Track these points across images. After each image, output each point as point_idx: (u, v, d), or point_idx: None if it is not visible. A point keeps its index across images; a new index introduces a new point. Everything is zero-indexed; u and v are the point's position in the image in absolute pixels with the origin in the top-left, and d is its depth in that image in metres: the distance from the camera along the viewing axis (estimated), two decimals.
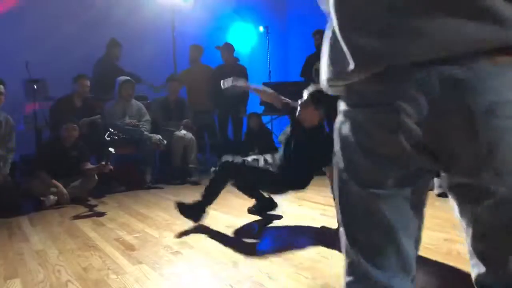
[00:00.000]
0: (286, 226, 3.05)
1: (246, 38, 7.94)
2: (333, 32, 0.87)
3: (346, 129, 0.88)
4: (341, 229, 0.93)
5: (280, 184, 3.03)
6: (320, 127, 2.96)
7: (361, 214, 0.88)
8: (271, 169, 3.04)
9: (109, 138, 4.14)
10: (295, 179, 2.98)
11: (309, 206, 3.70)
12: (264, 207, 3.36)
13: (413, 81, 0.75)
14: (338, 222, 1.00)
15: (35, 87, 5.01)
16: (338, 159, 0.91)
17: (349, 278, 0.90)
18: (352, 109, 0.88)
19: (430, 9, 0.73)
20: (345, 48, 0.82)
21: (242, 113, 6.36)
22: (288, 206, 3.66)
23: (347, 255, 0.91)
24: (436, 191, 3.78)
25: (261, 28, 7.75)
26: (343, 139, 0.89)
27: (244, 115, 6.40)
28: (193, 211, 3.12)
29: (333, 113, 1.03)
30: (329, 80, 0.90)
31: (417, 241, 0.93)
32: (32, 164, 4.45)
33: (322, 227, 2.97)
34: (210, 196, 3.13)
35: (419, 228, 0.93)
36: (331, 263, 2.24)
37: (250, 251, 2.54)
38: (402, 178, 0.84)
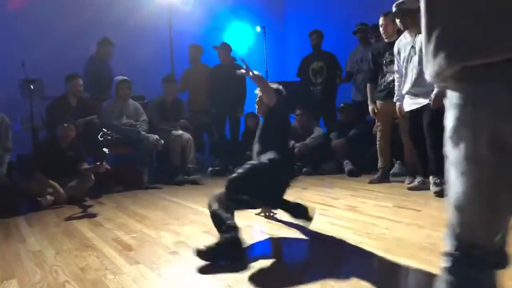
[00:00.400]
0: (284, 226, 3.05)
1: (243, 38, 7.93)
2: None
3: None
4: None
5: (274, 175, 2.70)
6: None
7: None
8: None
9: (102, 138, 4.13)
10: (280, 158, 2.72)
11: None
12: (295, 213, 2.98)
13: None
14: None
15: (32, 87, 4.99)
16: None
17: None
18: None
19: None
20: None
21: (240, 112, 6.35)
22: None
23: None
24: (433, 189, 3.82)
25: (258, 28, 7.73)
26: None
27: (242, 115, 6.39)
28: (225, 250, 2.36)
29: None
30: None
31: None
32: (28, 164, 4.44)
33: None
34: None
35: None
36: (328, 263, 2.24)
37: (248, 251, 2.53)
38: None
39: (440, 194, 3.68)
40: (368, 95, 4.83)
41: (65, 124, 4.34)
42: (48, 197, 4.14)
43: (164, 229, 3.11)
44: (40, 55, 5.32)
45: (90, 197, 4.46)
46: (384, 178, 4.69)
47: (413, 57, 3.97)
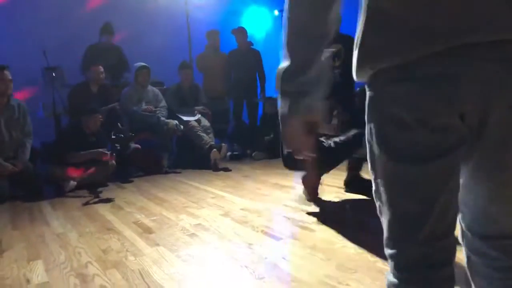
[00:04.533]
0: (299, 207, 3.07)
1: (260, 22, 7.89)
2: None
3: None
4: None
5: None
6: None
7: None
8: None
9: (114, 137, 4.25)
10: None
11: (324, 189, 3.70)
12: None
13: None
14: None
15: (53, 74, 5.07)
16: None
17: None
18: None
19: None
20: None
21: (255, 98, 6.37)
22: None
23: None
24: None
25: (276, 12, 7.68)
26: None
27: (261, 100, 6.40)
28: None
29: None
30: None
31: None
32: (52, 150, 4.54)
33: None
34: None
35: None
36: (345, 244, 2.26)
37: (264, 233, 2.57)
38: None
39: None
40: None
41: (94, 115, 4.45)
42: (71, 182, 4.23)
43: (183, 212, 3.17)
44: (60, 42, 5.40)
45: (111, 181, 4.55)
46: None
47: None
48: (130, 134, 4.61)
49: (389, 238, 0.87)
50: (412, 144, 0.79)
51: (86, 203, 3.67)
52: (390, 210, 0.85)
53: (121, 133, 4.36)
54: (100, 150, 4.35)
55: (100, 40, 5.70)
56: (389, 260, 0.88)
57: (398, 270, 0.86)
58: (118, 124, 4.58)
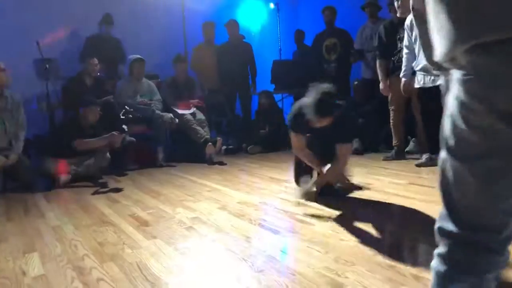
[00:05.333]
0: (297, 201, 3.07)
1: (256, 15, 7.85)
2: None
3: None
4: None
5: None
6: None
7: None
8: None
9: (123, 117, 4.21)
10: None
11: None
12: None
13: None
14: None
15: (47, 66, 5.02)
16: None
17: None
18: None
19: None
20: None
21: (251, 90, 6.35)
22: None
23: None
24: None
25: (272, 5, 7.66)
26: None
27: (254, 93, 6.38)
28: None
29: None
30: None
31: None
32: (49, 143, 4.51)
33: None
34: None
35: None
36: (343, 237, 2.26)
37: (261, 226, 2.57)
38: None
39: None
40: (379, 71, 4.69)
41: (93, 107, 4.43)
42: (66, 175, 4.20)
43: (180, 205, 3.16)
44: (55, 34, 5.35)
45: (105, 174, 4.52)
46: (399, 156, 4.66)
47: None
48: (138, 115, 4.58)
49: None
50: None
51: (82, 196, 3.65)
52: None
53: (130, 113, 4.34)
54: (114, 133, 4.33)
55: (100, 31, 5.67)
56: None
57: None
58: (126, 107, 4.55)
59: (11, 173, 4.13)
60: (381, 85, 4.70)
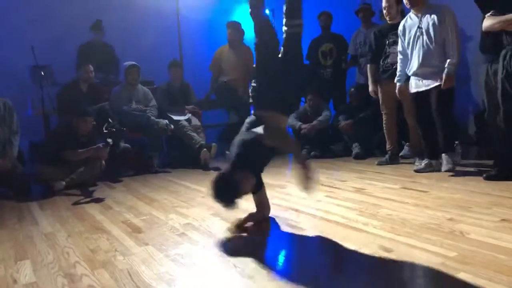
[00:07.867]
0: (289, 206, 3.08)
1: (252, 21, 7.85)
2: None
3: None
4: None
5: None
6: None
7: None
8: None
9: (106, 131, 4.21)
10: None
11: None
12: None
13: None
14: None
15: (42, 73, 5.03)
16: None
17: None
18: None
19: None
20: None
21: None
22: (292, 188, 3.68)
23: None
24: (445, 168, 3.87)
25: (267, 11, 7.67)
26: None
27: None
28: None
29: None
30: None
31: None
32: (43, 150, 4.51)
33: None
34: None
35: None
36: (336, 243, 2.27)
37: (254, 232, 2.57)
38: None
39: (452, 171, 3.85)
40: (369, 75, 4.83)
41: (86, 117, 4.43)
42: (61, 182, 4.20)
43: (173, 211, 3.16)
44: (49, 40, 5.36)
45: (100, 181, 4.53)
46: (393, 160, 4.68)
47: (420, 37, 3.92)
48: (121, 128, 4.57)
49: None
50: None
51: (75, 203, 3.65)
52: None
53: (113, 127, 4.33)
54: (100, 146, 4.31)
55: (92, 37, 5.69)
56: None
57: None
58: (109, 119, 4.55)
59: (5, 180, 4.13)
60: (370, 88, 4.85)
